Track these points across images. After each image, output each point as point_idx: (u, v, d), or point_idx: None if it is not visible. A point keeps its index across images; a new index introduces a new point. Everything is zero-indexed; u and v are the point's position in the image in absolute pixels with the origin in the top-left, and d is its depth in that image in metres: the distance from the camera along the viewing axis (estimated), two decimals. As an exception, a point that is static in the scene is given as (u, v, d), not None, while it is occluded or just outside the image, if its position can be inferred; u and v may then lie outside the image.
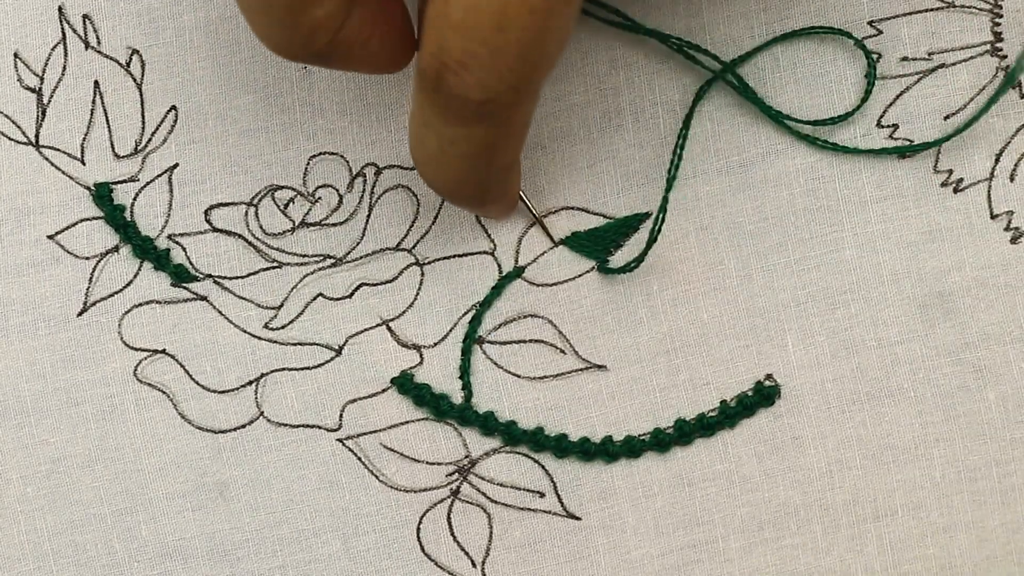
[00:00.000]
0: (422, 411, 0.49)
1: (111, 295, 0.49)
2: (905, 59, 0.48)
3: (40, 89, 0.49)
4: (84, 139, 0.49)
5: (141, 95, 0.49)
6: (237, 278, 0.49)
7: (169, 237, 0.49)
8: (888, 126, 0.48)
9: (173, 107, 0.49)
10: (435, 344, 0.49)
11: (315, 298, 0.49)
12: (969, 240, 0.49)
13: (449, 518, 0.49)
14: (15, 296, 0.49)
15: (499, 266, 0.49)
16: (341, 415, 0.49)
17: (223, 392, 0.49)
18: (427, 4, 0.37)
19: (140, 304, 0.49)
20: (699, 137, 0.49)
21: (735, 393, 0.49)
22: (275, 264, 0.49)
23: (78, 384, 0.49)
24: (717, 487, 0.49)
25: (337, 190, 0.49)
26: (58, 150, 0.49)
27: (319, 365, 0.49)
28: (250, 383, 0.49)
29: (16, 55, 0.49)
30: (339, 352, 0.49)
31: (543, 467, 0.49)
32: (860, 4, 0.48)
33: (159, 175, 0.49)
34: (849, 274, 0.49)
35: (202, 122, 0.49)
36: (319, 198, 0.49)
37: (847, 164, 0.48)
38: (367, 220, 0.49)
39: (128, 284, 0.49)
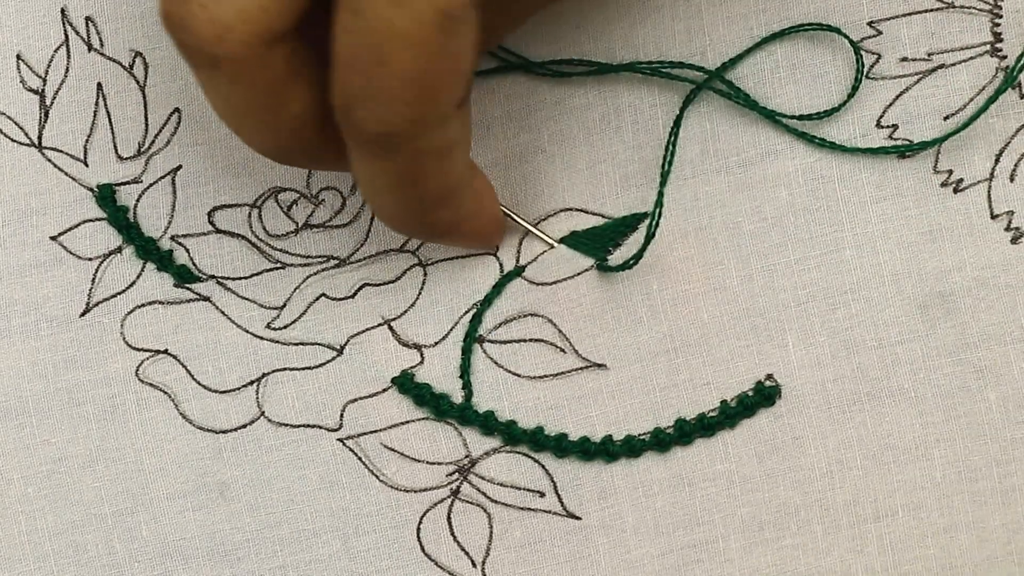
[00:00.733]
0: (422, 411, 0.49)
1: (114, 296, 0.49)
2: (905, 59, 0.48)
3: (43, 91, 0.49)
4: (87, 141, 0.49)
5: (144, 97, 0.49)
6: (240, 279, 0.49)
7: (172, 238, 0.49)
8: (888, 126, 0.48)
9: (176, 109, 0.49)
10: (436, 343, 0.49)
11: (318, 298, 0.49)
12: (969, 240, 0.49)
13: (449, 518, 0.49)
14: (18, 297, 0.49)
15: (500, 265, 0.49)
16: (342, 415, 0.49)
17: (224, 392, 0.49)
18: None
19: (143, 305, 0.49)
20: (698, 137, 0.49)
21: (735, 393, 0.49)
22: (278, 265, 0.49)
23: (80, 384, 0.49)
24: (717, 487, 0.49)
25: (340, 192, 0.49)
26: (61, 152, 0.49)
27: (320, 365, 0.49)
28: (251, 383, 0.49)
29: (19, 57, 0.49)
30: (340, 352, 0.49)
31: (543, 467, 0.49)
32: (860, 4, 0.48)
33: (162, 177, 0.49)
34: (849, 274, 0.49)
35: (205, 124, 0.49)
36: (322, 200, 0.49)
37: (847, 164, 0.48)
38: (371, 222, 0.49)
39: (131, 285, 0.49)
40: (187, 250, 0.49)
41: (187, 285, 0.49)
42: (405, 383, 0.49)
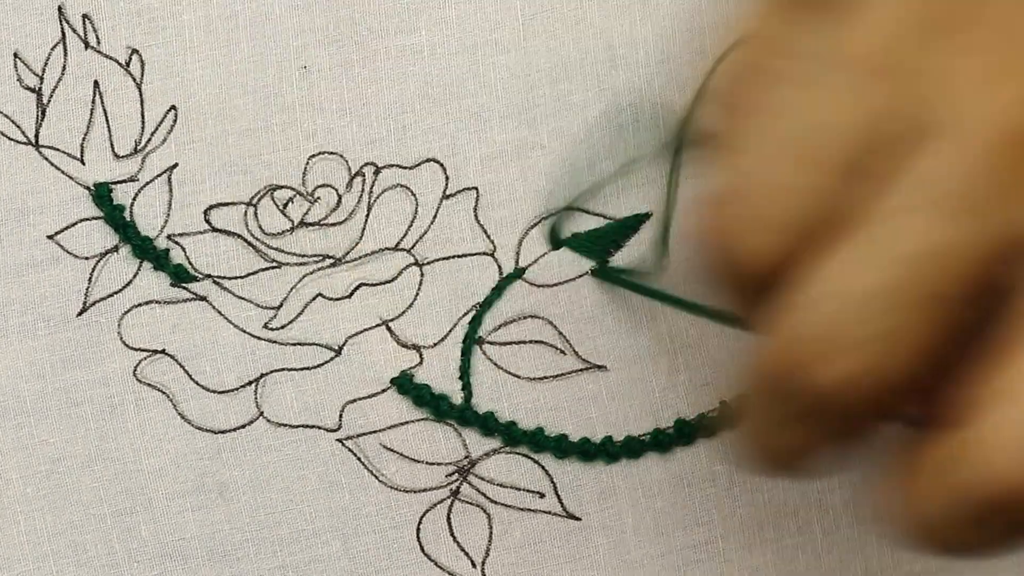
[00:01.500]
0: (422, 411, 0.49)
1: (111, 295, 0.49)
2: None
3: (40, 89, 0.49)
4: (84, 139, 0.49)
5: (141, 95, 0.49)
6: (236, 278, 0.49)
7: (168, 237, 0.49)
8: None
9: (173, 107, 0.49)
10: (435, 344, 0.49)
11: (314, 298, 0.49)
12: (969, 240, 0.48)
13: (449, 518, 0.49)
14: (14, 296, 0.49)
15: (499, 267, 0.49)
16: (341, 415, 0.49)
17: (223, 392, 0.49)
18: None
19: (140, 304, 0.49)
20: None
21: (735, 393, 0.49)
22: (274, 264, 0.49)
23: (78, 384, 0.49)
24: (717, 487, 0.49)
25: (336, 189, 0.49)
26: (58, 150, 0.49)
27: (319, 365, 0.49)
28: (250, 383, 0.49)
29: (16, 55, 0.49)
30: (339, 352, 0.49)
31: (543, 467, 0.49)
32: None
33: (159, 175, 0.49)
34: (849, 274, 0.49)
35: (202, 122, 0.49)
36: (318, 198, 0.49)
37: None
38: (366, 220, 0.49)
39: (128, 284, 0.49)
40: (183, 249, 0.49)
41: (184, 284, 0.49)
42: (404, 384, 0.49)
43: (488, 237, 0.49)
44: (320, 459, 0.49)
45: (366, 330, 0.49)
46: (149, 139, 0.49)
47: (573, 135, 0.49)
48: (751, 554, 0.49)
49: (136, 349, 0.49)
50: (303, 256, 0.49)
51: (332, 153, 0.49)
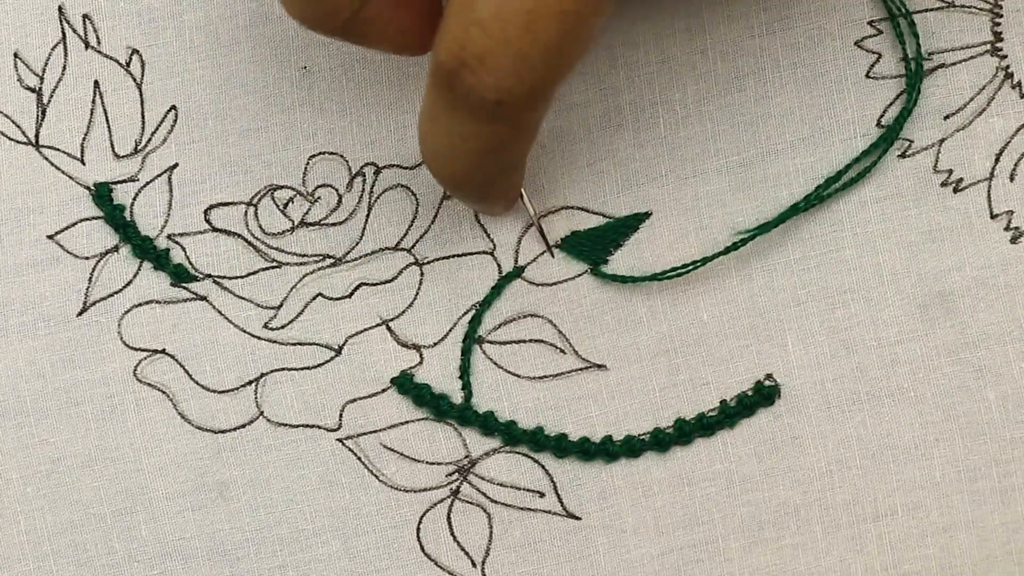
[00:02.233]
0: (422, 411, 0.49)
1: (111, 295, 0.49)
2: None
3: (40, 89, 0.49)
4: (84, 139, 0.49)
5: (141, 95, 0.49)
6: (237, 278, 0.49)
7: (169, 237, 0.49)
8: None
9: (173, 107, 0.49)
10: (435, 344, 0.49)
11: (314, 298, 0.49)
12: (969, 240, 0.49)
13: (449, 518, 0.49)
14: (15, 296, 0.49)
15: (499, 266, 0.49)
16: (341, 415, 0.49)
17: (223, 392, 0.49)
18: None
19: (140, 304, 0.49)
20: (699, 137, 0.49)
21: (735, 393, 0.49)
22: (274, 264, 0.49)
23: (78, 384, 0.49)
24: (717, 487, 0.49)
25: (336, 190, 0.49)
26: (58, 150, 0.49)
27: (319, 365, 0.49)
28: (250, 383, 0.49)
29: (16, 55, 0.49)
30: (339, 352, 0.49)
31: (543, 467, 0.49)
32: (860, 4, 0.48)
33: (159, 175, 0.49)
34: (849, 274, 0.49)
35: (202, 122, 0.49)
36: (318, 198, 0.49)
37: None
38: (366, 220, 0.49)
39: (128, 284, 0.49)
40: (183, 249, 0.49)
41: (184, 284, 0.49)
42: (404, 383, 0.49)
43: (488, 236, 0.49)
44: (320, 459, 0.49)
45: (366, 330, 0.49)
46: (149, 139, 0.49)
47: (573, 135, 0.49)
48: (751, 554, 0.49)
49: (136, 349, 0.49)
50: (303, 256, 0.49)
51: (332, 153, 0.49)
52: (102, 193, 0.49)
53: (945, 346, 0.49)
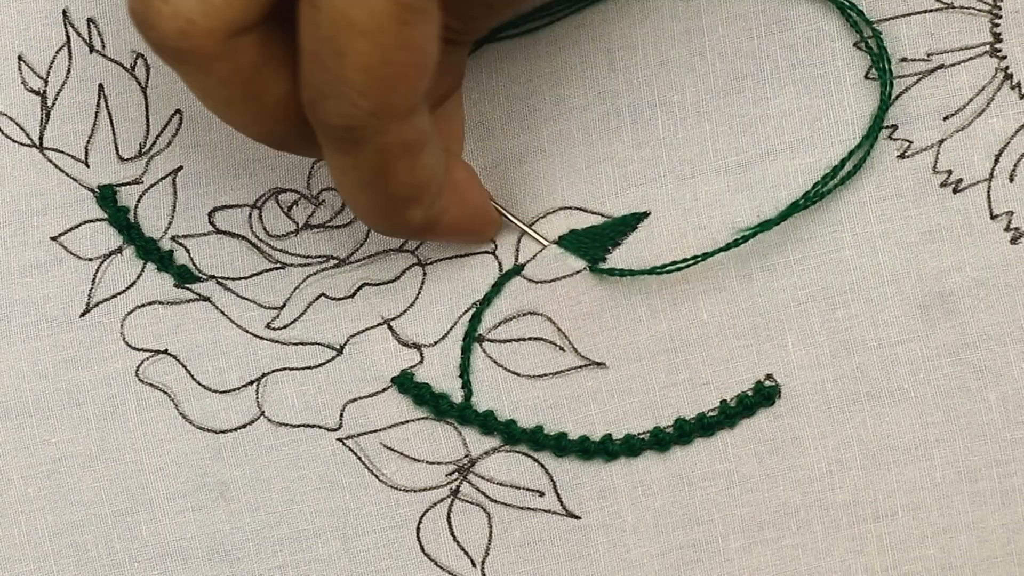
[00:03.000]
0: (422, 410, 0.49)
1: (114, 296, 0.49)
2: (904, 60, 0.48)
3: (44, 92, 0.49)
4: (88, 142, 0.49)
5: (146, 98, 0.49)
6: (240, 279, 0.49)
7: (173, 239, 0.49)
8: (887, 126, 0.48)
9: (178, 111, 0.49)
10: (435, 343, 0.49)
11: (317, 298, 0.49)
12: (969, 240, 0.49)
13: (449, 518, 0.49)
14: (18, 297, 0.49)
15: (499, 264, 0.49)
16: (341, 415, 0.49)
17: (224, 392, 0.49)
18: None
19: (143, 305, 0.49)
20: (698, 137, 0.49)
21: (735, 393, 0.49)
22: (278, 265, 0.49)
23: (80, 384, 0.49)
24: (717, 487, 0.49)
25: (340, 194, 0.49)
26: (62, 152, 0.49)
27: (320, 364, 0.49)
28: (251, 383, 0.49)
29: (20, 58, 0.49)
30: (340, 351, 0.49)
31: (542, 466, 0.49)
32: (860, 4, 0.48)
33: (163, 177, 0.49)
34: (849, 274, 0.49)
35: (206, 125, 0.49)
36: (323, 201, 0.49)
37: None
38: (370, 223, 0.49)
39: (131, 285, 0.49)
40: (187, 250, 0.49)
41: (187, 285, 0.49)
42: (405, 383, 0.49)
43: (489, 236, 0.49)
44: (321, 458, 0.49)
45: (367, 329, 0.49)
46: (154, 142, 0.49)
47: (572, 138, 0.49)
48: (751, 554, 0.49)
49: (139, 349, 0.49)
50: (307, 257, 0.49)
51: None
52: (106, 195, 0.49)
53: (945, 347, 0.49)
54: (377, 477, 0.49)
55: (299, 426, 0.49)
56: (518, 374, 0.49)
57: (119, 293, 0.49)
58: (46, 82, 0.49)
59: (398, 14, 0.36)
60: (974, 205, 0.49)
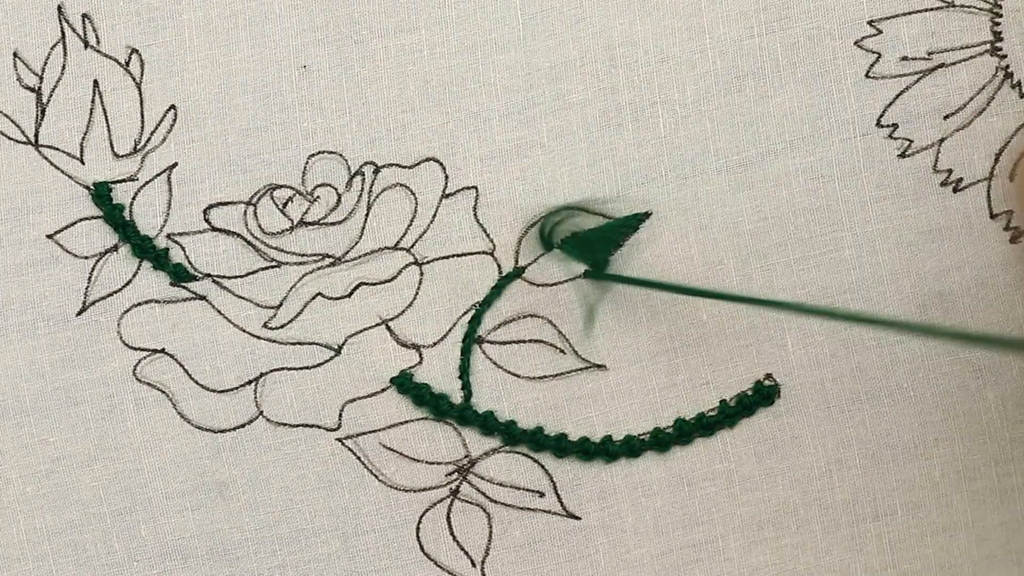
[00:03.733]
0: (421, 411, 0.49)
1: (110, 294, 0.49)
2: (905, 59, 0.48)
3: (39, 88, 0.49)
4: (83, 138, 0.49)
5: (140, 94, 0.49)
6: (236, 277, 0.49)
7: (168, 236, 0.49)
8: (888, 126, 0.48)
9: (172, 106, 0.49)
10: (434, 344, 0.49)
11: (314, 297, 0.49)
12: (969, 240, 0.49)
13: (449, 518, 0.49)
14: (14, 295, 0.49)
15: (499, 266, 0.49)
16: (340, 415, 0.49)
17: (222, 391, 0.49)
18: None
19: (139, 303, 0.49)
20: (699, 137, 0.49)
21: (735, 393, 0.49)
22: (274, 263, 0.49)
23: (77, 383, 0.49)
24: (717, 487, 0.49)
25: (335, 189, 0.49)
26: (57, 149, 0.49)
27: (318, 365, 0.49)
28: (249, 382, 0.49)
29: (15, 54, 0.49)
30: (338, 352, 0.49)
31: (543, 467, 0.49)
32: (860, 3, 0.48)
33: (158, 174, 0.49)
34: (849, 274, 0.49)
35: (201, 121, 0.49)
36: (318, 197, 0.49)
37: (847, 164, 0.48)
38: (365, 219, 0.49)
39: (127, 283, 0.49)
40: (183, 248, 0.49)
41: (183, 284, 0.49)
42: (404, 383, 0.49)
43: (487, 236, 0.49)
44: (320, 458, 0.49)
45: (366, 329, 0.49)
46: (149, 138, 0.49)
47: (573, 134, 0.49)
48: (751, 554, 0.49)
49: (136, 348, 0.49)
50: (303, 255, 0.49)
51: (332, 152, 0.49)
52: (101, 192, 0.49)
53: (945, 346, 0.49)
54: (377, 477, 0.49)
55: (298, 426, 0.49)
56: (518, 375, 0.49)
57: (115, 292, 0.49)
58: (41, 79, 0.49)
59: None
60: (974, 204, 0.49)
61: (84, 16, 0.49)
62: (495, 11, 0.49)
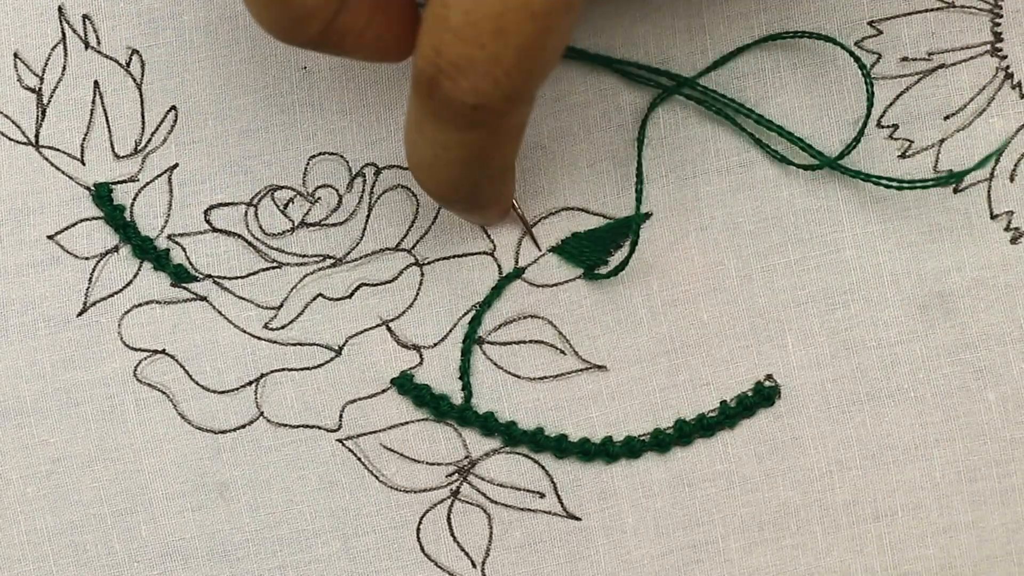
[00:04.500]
0: (422, 411, 0.49)
1: (111, 295, 0.49)
2: (905, 59, 0.48)
3: (40, 89, 0.49)
4: (84, 139, 0.49)
5: (141, 95, 0.49)
6: (237, 278, 0.49)
7: (169, 237, 0.49)
8: (888, 126, 0.48)
9: (173, 107, 0.49)
10: (435, 344, 0.49)
11: (315, 298, 0.49)
12: (969, 240, 0.49)
13: (449, 518, 0.49)
14: (15, 296, 0.49)
15: (499, 267, 0.49)
16: (341, 415, 0.49)
17: (223, 392, 0.49)
18: (426, 6, 0.37)
19: (140, 304, 0.49)
20: (699, 137, 0.49)
21: (735, 393, 0.49)
22: (275, 264, 0.49)
23: (78, 384, 0.49)
24: (717, 487, 0.49)
25: (337, 190, 0.49)
26: (58, 150, 0.49)
27: (319, 365, 0.49)
28: (250, 383, 0.49)
29: (16, 55, 0.49)
30: (339, 352, 0.49)
31: (543, 467, 0.49)
32: (860, 4, 0.48)
33: (159, 175, 0.49)
34: (849, 274, 0.49)
35: (202, 122, 0.49)
36: (319, 198, 0.49)
37: (847, 164, 0.48)
38: (367, 220, 0.49)
39: (128, 284, 0.49)
40: (184, 249, 0.49)
41: (184, 285, 0.49)
42: (404, 384, 0.49)
43: (488, 237, 0.49)
44: (320, 459, 0.49)
45: (366, 330, 0.49)
46: (149, 139, 0.49)
47: (573, 135, 0.49)
48: (751, 554, 0.49)
49: (136, 349, 0.49)
50: (304, 256, 0.49)
51: (332, 153, 0.49)
52: (102, 193, 0.49)
53: (945, 347, 0.49)
54: (377, 478, 0.49)
55: (298, 427, 0.49)
56: (519, 376, 0.49)
57: (116, 292, 0.49)
58: (42, 79, 0.49)
59: (569, 2, 0.36)
60: (974, 205, 0.49)
61: (85, 17, 0.49)
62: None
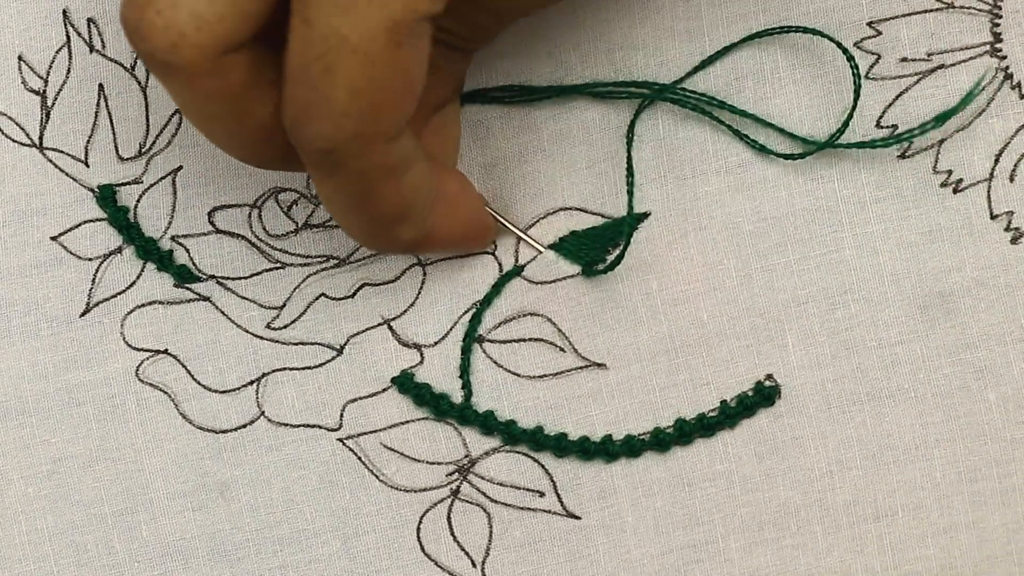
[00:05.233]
0: (422, 411, 0.49)
1: (114, 296, 0.49)
2: (904, 60, 0.48)
3: (44, 92, 0.49)
4: (88, 141, 0.49)
5: (145, 98, 0.49)
6: (240, 278, 0.49)
7: (172, 238, 0.49)
8: (888, 127, 0.48)
9: (177, 110, 0.49)
10: (435, 343, 0.49)
11: (317, 298, 0.49)
12: (969, 240, 0.49)
13: (449, 518, 0.49)
14: (18, 297, 0.49)
15: (499, 265, 0.49)
16: (342, 415, 0.49)
17: (224, 392, 0.49)
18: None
19: (143, 305, 0.49)
20: (697, 138, 0.49)
21: (735, 393, 0.49)
22: (278, 264, 0.49)
23: (80, 384, 0.49)
24: (717, 487, 0.49)
25: (340, 193, 0.49)
26: (62, 152, 0.49)
27: (320, 364, 0.49)
28: (251, 383, 0.49)
29: (20, 58, 0.49)
30: (340, 351, 0.49)
31: (543, 466, 0.49)
32: (859, 4, 0.48)
33: (163, 177, 0.49)
34: (849, 274, 0.49)
35: (206, 126, 0.49)
36: (322, 200, 0.49)
37: (847, 164, 0.49)
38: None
39: (131, 285, 0.49)
40: (187, 250, 0.49)
41: (187, 285, 0.49)
42: (405, 383, 0.49)
43: (488, 236, 0.49)
44: (321, 459, 0.49)
45: (368, 329, 0.49)
46: (154, 142, 0.49)
47: (572, 137, 0.49)
48: (751, 554, 0.49)
49: (139, 349, 0.49)
50: (307, 256, 0.49)
51: (335, 156, 0.49)
52: (106, 195, 0.49)
53: (945, 347, 0.49)
54: (377, 477, 0.49)
55: (299, 426, 0.49)
56: (518, 375, 0.49)
57: (119, 293, 0.49)
58: (46, 82, 0.49)
59: (393, 36, 0.36)
60: (974, 205, 0.49)
61: (89, 20, 0.49)
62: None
